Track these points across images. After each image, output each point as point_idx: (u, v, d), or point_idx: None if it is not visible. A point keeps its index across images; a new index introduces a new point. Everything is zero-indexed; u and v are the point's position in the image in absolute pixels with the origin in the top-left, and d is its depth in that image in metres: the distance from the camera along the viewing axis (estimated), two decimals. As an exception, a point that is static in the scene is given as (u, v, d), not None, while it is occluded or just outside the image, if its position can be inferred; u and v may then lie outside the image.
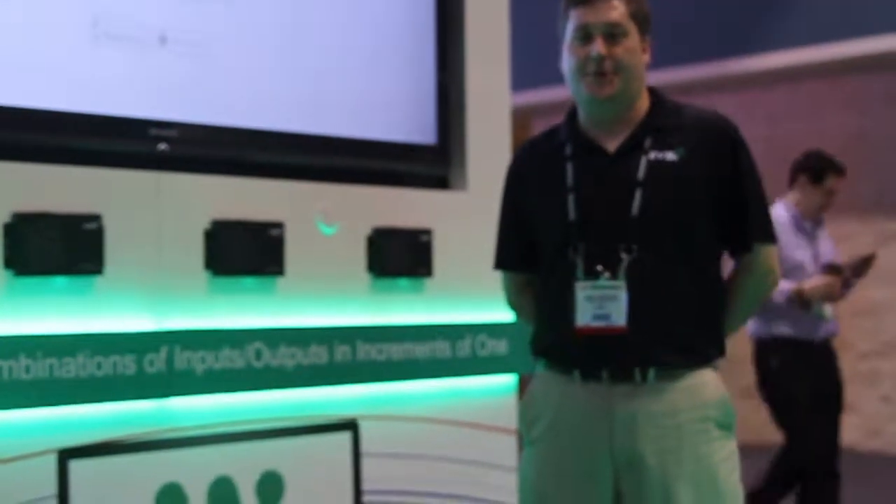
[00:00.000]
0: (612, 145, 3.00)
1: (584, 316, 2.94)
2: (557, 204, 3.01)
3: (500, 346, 4.42)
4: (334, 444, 4.02)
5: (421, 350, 4.22)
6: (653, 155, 2.96)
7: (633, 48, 2.97)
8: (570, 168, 3.03)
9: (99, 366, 3.48)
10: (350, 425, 4.05)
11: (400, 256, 4.20)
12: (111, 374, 3.50)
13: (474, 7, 4.51)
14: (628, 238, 2.93)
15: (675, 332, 2.94)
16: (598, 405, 2.95)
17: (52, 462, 3.41)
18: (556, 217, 3.01)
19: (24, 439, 3.38)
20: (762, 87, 10.63)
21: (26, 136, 3.52)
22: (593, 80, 2.95)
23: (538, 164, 3.13)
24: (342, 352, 4.01)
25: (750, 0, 10.22)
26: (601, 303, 2.92)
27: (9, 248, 3.38)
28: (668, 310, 2.94)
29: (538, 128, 11.40)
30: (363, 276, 4.15)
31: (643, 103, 3.03)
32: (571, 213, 2.99)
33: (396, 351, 4.15)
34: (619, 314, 2.91)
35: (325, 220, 4.05)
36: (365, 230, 4.15)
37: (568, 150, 3.05)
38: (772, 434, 10.78)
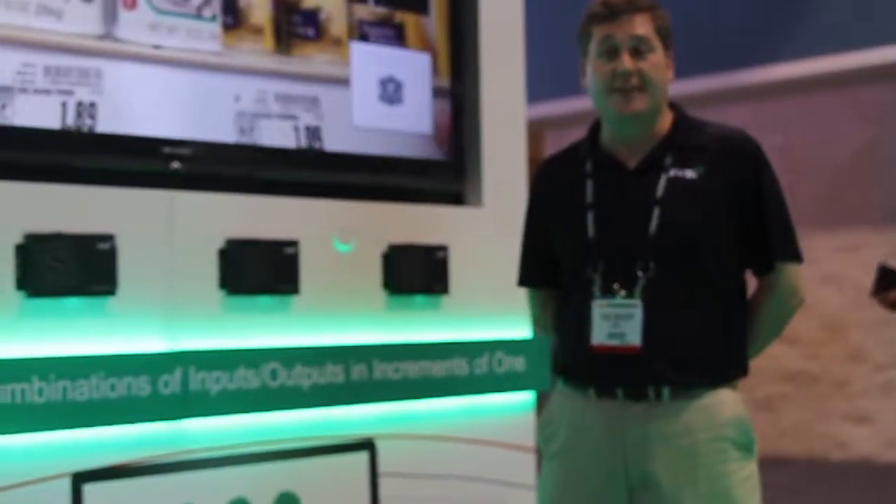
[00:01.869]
0: (632, 162, 2.96)
1: (600, 334, 2.91)
2: (577, 221, 2.98)
3: (518, 363, 4.37)
4: (351, 465, 3.97)
5: (438, 368, 4.18)
6: (672, 173, 2.92)
7: (660, 63, 2.92)
8: (589, 185, 3.00)
9: (113, 387, 3.44)
10: (367, 445, 4.01)
11: (416, 273, 4.16)
12: (125, 395, 3.46)
13: (489, 20, 4.47)
14: (645, 256, 2.89)
15: (691, 352, 2.90)
16: (612, 424, 2.92)
17: (65, 486, 3.37)
18: (576, 234, 2.98)
19: (38, 463, 3.33)
20: (775, 97, 10.59)
21: (38, 156, 3.47)
22: (620, 97, 2.91)
23: (559, 180, 3.10)
24: (358, 371, 3.97)
25: (763, 10, 10.18)
26: (616, 321, 2.90)
27: (21, 269, 3.34)
28: (684, 329, 2.89)
29: (551, 140, 11.36)
30: (379, 293, 4.11)
31: (665, 120, 2.99)
32: (590, 231, 2.96)
33: (413, 369, 4.11)
34: (633, 333, 2.88)
35: (340, 238, 4.01)
36: (380, 247, 4.11)
37: (588, 166, 3.02)
38: (788, 447, 10.76)
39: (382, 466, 4.03)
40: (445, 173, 4.38)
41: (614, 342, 2.89)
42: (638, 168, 2.95)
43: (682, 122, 3.00)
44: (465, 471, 4.23)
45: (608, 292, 2.91)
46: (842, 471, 9.41)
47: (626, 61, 2.89)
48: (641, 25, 2.90)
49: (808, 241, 10.43)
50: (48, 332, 3.38)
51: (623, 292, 2.89)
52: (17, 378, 3.26)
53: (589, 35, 2.96)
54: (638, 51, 2.90)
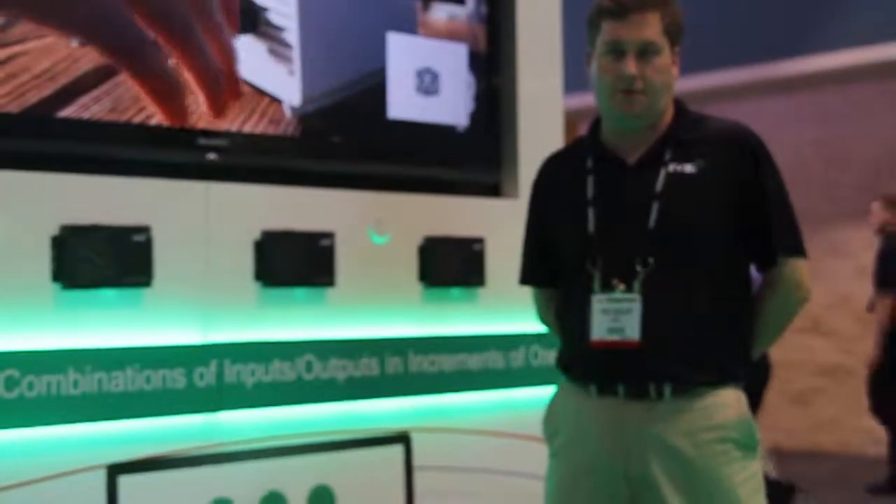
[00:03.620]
0: (632, 157, 2.94)
1: (600, 329, 2.88)
2: (578, 216, 2.96)
3: (554, 357, 4.32)
4: (386, 458, 3.95)
5: (474, 361, 4.15)
6: (672, 167, 2.89)
7: (665, 66, 2.90)
8: (590, 181, 2.98)
9: (148, 380, 3.43)
10: (402, 438, 3.98)
11: (452, 266, 4.13)
12: (160, 387, 3.45)
13: (526, 12, 4.44)
14: (645, 251, 2.86)
15: (691, 348, 2.86)
16: (612, 422, 2.89)
17: (101, 477, 3.36)
18: (577, 230, 2.96)
19: (74, 454, 3.33)
20: (812, 89, 10.50)
21: (74, 147, 3.46)
22: (623, 98, 2.89)
23: (560, 177, 3.08)
24: (394, 363, 3.95)
25: (799, 2, 10.10)
26: (616, 316, 2.87)
27: (57, 260, 3.33)
28: (684, 325, 2.86)
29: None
30: (415, 286, 4.08)
31: (667, 115, 2.97)
32: (591, 226, 2.94)
33: (449, 362, 4.09)
34: (632, 328, 2.85)
35: (376, 230, 3.98)
36: (417, 239, 4.08)
37: (589, 163, 3.00)
38: (823, 440, 10.69)
39: (417, 460, 4.01)
40: (482, 165, 4.35)
41: (614, 337, 2.86)
42: (638, 163, 2.93)
43: (683, 116, 2.98)
44: (501, 464, 4.20)
45: (607, 287, 2.88)
46: (878, 465, 9.33)
47: (631, 66, 2.86)
48: (650, 27, 2.86)
49: (845, 234, 10.38)
50: (84, 323, 3.37)
51: (622, 287, 2.87)
52: (52, 370, 3.26)
53: (598, 28, 2.92)
54: (644, 53, 2.87)
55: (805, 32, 9.99)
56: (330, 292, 3.86)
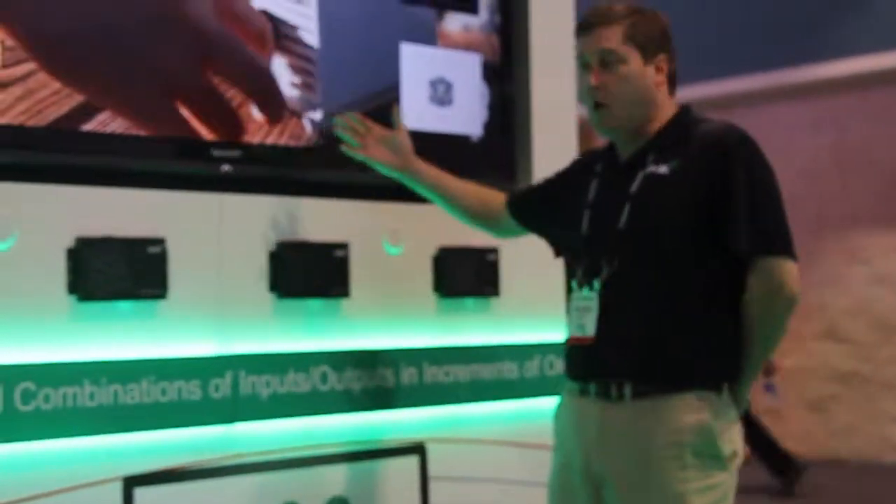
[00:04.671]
0: (624, 161, 3.04)
1: (571, 327, 3.01)
2: (577, 218, 3.07)
3: (569, 367, 4.33)
4: (402, 469, 3.95)
5: (488, 371, 4.15)
6: (650, 169, 2.95)
7: (629, 75, 2.95)
8: (594, 184, 3.08)
9: (164, 391, 3.44)
10: (417, 449, 3.98)
11: (466, 276, 4.13)
12: (176, 399, 3.46)
13: (540, 21, 4.44)
14: (612, 250, 2.93)
15: (648, 348, 2.89)
16: (582, 420, 2.99)
17: (117, 490, 3.36)
18: (574, 231, 3.07)
19: (89, 467, 3.33)
20: (828, 95, 10.48)
21: (88, 160, 3.47)
22: (593, 111, 3.00)
23: (580, 173, 3.20)
24: (409, 374, 3.95)
25: (816, 8, 10.08)
26: (581, 314, 2.96)
27: (72, 273, 3.34)
28: (643, 325, 2.89)
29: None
30: (429, 296, 4.08)
31: (658, 121, 3.01)
32: (583, 227, 3.04)
33: (464, 372, 4.08)
34: (590, 325, 2.93)
35: (390, 240, 3.99)
36: (431, 250, 4.08)
37: (598, 167, 3.11)
38: (839, 448, 10.64)
39: (433, 470, 4.00)
40: (496, 175, 4.35)
41: (577, 334, 2.98)
42: (624, 166, 3.01)
43: (677, 121, 3.01)
44: (517, 475, 4.20)
45: (581, 285, 2.99)
46: (893, 472, 9.30)
47: (592, 77, 2.96)
48: (609, 38, 2.95)
49: (863, 241, 10.34)
50: (99, 336, 3.38)
51: (588, 286, 2.95)
52: (68, 382, 3.27)
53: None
54: (605, 63, 2.95)
55: (821, 38, 9.98)
56: (344, 303, 3.86)
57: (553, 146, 4.44)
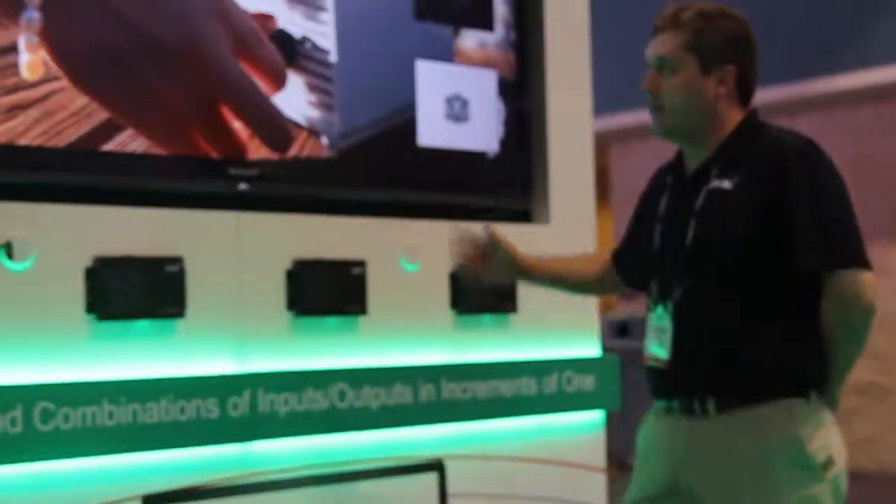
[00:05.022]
0: (690, 174, 2.98)
1: (648, 346, 2.94)
2: (650, 233, 3.02)
3: (587, 382, 4.33)
4: (421, 485, 3.94)
5: (506, 387, 4.14)
6: (714, 184, 2.89)
7: (683, 83, 2.90)
8: (664, 197, 3.02)
9: (182, 410, 3.44)
10: (436, 465, 3.98)
11: (484, 292, 4.12)
12: (194, 418, 3.47)
13: (555, 38, 4.44)
14: (682, 269, 2.88)
15: (730, 364, 2.83)
16: (669, 438, 2.92)
17: (136, 508, 3.38)
18: (648, 246, 3.02)
19: (109, 485, 3.34)
20: (846, 106, 10.45)
21: (105, 180, 3.49)
22: (651, 113, 2.96)
23: (652, 190, 3.14)
24: (427, 391, 3.94)
25: (831, 20, 10.06)
26: (658, 334, 2.91)
27: (91, 292, 3.36)
28: (719, 341, 2.84)
29: (617, 153, 11.29)
30: (447, 313, 4.08)
31: (723, 131, 2.94)
32: (656, 243, 2.99)
33: (481, 389, 4.08)
34: (666, 347, 2.88)
35: (407, 257, 3.99)
36: (447, 266, 4.08)
37: (669, 178, 3.04)
38: (860, 460, 10.59)
39: (452, 487, 4.00)
40: (512, 191, 4.35)
41: (655, 354, 2.91)
42: (690, 180, 2.95)
43: (741, 130, 2.94)
44: (535, 491, 4.19)
45: (656, 304, 2.94)
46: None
47: (647, 80, 2.94)
48: (668, 45, 2.91)
49: (882, 253, 10.30)
50: (118, 355, 3.39)
51: (662, 305, 2.90)
52: (87, 401, 3.28)
53: None
54: (661, 69, 2.92)
55: (838, 50, 9.95)
56: (362, 320, 3.87)
57: (569, 161, 4.44)
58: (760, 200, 2.83)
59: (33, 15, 3.29)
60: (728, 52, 2.91)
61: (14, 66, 3.29)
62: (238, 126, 3.70)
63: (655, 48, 2.92)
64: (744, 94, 2.96)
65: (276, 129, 3.77)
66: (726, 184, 2.86)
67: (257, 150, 3.74)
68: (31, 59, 3.30)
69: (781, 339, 2.86)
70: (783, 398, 2.83)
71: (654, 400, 3.01)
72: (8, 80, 3.28)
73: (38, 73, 3.32)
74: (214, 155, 3.66)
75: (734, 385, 2.84)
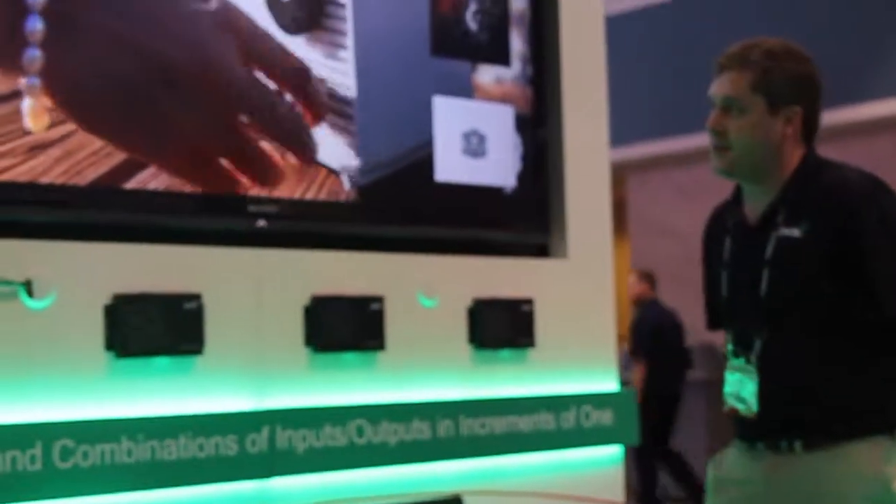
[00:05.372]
0: (753, 218, 2.92)
1: (730, 396, 2.91)
2: (718, 278, 2.99)
3: (606, 417, 4.32)
4: (439, 521, 3.94)
5: (524, 422, 4.14)
6: (782, 231, 2.85)
7: (751, 124, 2.84)
8: (727, 242, 2.97)
9: (201, 447, 3.45)
10: (455, 501, 3.96)
11: (501, 327, 4.13)
12: (213, 455, 3.47)
13: (572, 73, 4.45)
14: (759, 320, 2.85)
15: (818, 409, 2.81)
16: (749, 473, 2.90)
17: (155, 545, 3.38)
18: (718, 292, 2.99)
19: (127, 523, 3.35)
20: (865, 137, 10.43)
21: (124, 217, 3.51)
22: (713, 152, 2.90)
23: (713, 233, 3.09)
24: (445, 426, 3.94)
25: (850, 50, 10.06)
26: (740, 385, 2.89)
27: (110, 329, 3.37)
28: (805, 389, 2.82)
29: (633, 183, 11.28)
30: (465, 348, 4.09)
31: (787, 171, 2.89)
32: (724, 290, 2.96)
33: (500, 424, 4.07)
34: (752, 400, 2.85)
35: (425, 293, 4.00)
36: (465, 301, 4.08)
37: (730, 222, 2.99)
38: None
39: (470, 522, 3.99)
40: (530, 225, 4.36)
41: (738, 406, 2.89)
42: (756, 226, 2.91)
43: (802, 171, 2.90)
44: (554, 526, 4.18)
45: (736, 354, 2.91)
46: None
47: (712, 119, 2.88)
48: (735, 85, 2.85)
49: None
50: (137, 392, 3.40)
51: (743, 356, 2.88)
52: (106, 438, 3.28)
53: None
54: (727, 109, 2.86)
55: (857, 80, 9.95)
56: (380, 356, 3.87)
57: (586, 196, 4.45)
58: (833, 248, 2.79)
59: (35, 53, 3.29)
60: (795, 92, 2.88)
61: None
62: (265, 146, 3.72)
63: (722, 87, 2.86)
64: (808, 133, 2.93)
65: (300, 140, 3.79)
66: (795, 231, 2.82)
67: (283, 179, 3.75)
68: (34, 105, 3.30)
69: (868, 378, 2.84)
70: (869, 436, 2.81)
71: (737, 440, 2.97)
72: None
73: (43, 122, 3.31)
74: (239, 183, 3.67)
75: (821, 425, 2.82)
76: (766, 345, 2.84)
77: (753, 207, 2.93)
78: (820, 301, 2.81)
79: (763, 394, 2.82)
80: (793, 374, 2.83)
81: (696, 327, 8.58)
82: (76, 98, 3.40)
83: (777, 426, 2.84)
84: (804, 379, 2.82)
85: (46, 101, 3.32)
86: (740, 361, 2.88)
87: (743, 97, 2.84)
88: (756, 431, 2.88)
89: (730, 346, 2.93)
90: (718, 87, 2.87)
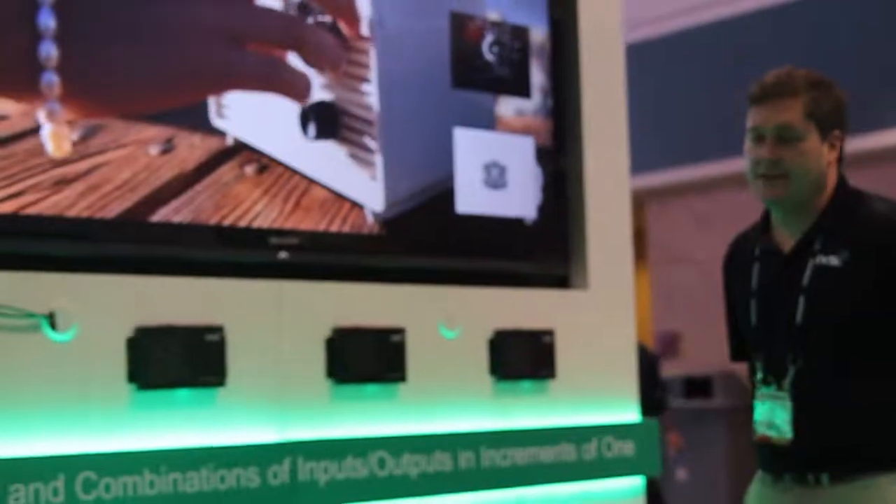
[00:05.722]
0: (787, 246, 2.93)
1: (760, 425, 2.92)
2: (745, 306, 2.99)
3: (627, 448, 4.31)
4: (461, 553, 3.93)
5: (546, 454, 4.13)
6: (819, 259, 2.86)
7: (808, 151, 2.86)
8: (755, 270, 2.99)
9: (223, 479, 3.45)
10: (476, 533, 3.97)
11: (522, 358, 4.13)
12: (235, 487, 3.47)
13: (592, 101, 4.46)
14: (794, 348, 2.86)
15: (844, 441, 2.83)
16: (775, 502, 2.91)
17: (176, 578, 3.38)
18: (745, 320, 3.00)
19: (149, 555, 3.35)
20: (883, 164, 10.42)
21: (147, 250, 3.53)
22: (763, 183, 2.89)
23: (737, 262, 3.10)
24: (466, 458, 3.94)
25: (867, 78, 10.06)
26: (772, 412, 2.89)
27: (132, 362, 3.38)
28: (835, 421, 2.83)
29: (653, 211, 11.27)
30: (486, 379, 4.08)
31: (822, 199, 2.92)
32: (753, 319, 2.97)
33: (521, 456, 4.07)
34: (785, 426, 2.86)
35: (446, 324, 4.00)
36: (486, 333, 4.09)
37: (757, 250, 3.00)
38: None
39: (492, 555, 3.99)
40: (551, 257, 4.36)
41: (770, 433, 2.90)
42: (791, 253, 2.92)
43: (839, 200, 2.92)
44: (576, 558, 4.17)
45: (766, 382, 2.91)
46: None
47: (768, 150, 2.86)
48: (789, 111, 2.86)
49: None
50: (159, 424, 3.41)
51: (776, 384, 2.88)
52: (128, 471, 3.29)
53: (747, 115, 2.93)
54: (783, 139, 2.86)
55: (874, 108, 9.94)
56: (402, 388, 3.87)
57: (607, 227, 4.45)
58: (871, 279, 2.81)
59: (53, 78, 3.31)
60: (837, 117, 2.93)
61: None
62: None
63: (775, 116, 2.86)
64: (841, 157, 2.97)
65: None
66: (833, 260, 2.84)
67: (298, 220, 3.77)
68: (54, 130, 3.31)
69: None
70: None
71: (761, 471, 2.99)
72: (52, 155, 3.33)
73: (65, 148, 3.33)
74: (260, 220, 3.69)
75: (852, 454, 2.83)
76: (800, 372, 2.84)
77: (786, 235, 2.94)
78: (855, 329, 2.81)
79: (797, 421, 2.82)
80: (827, 401, 2.83)
81: (717, 356, 8.58)
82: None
83: (808, 455, 2.84)
84: (838, 407, 2.82)
85: (67, 128, 3.33)
86: (770, 389, 2.88)
87: (799, 124, 2.86)
88: (784, 463, 2.88)
89: (759, 375, 2.93)
90: (770, 116, 2.87)
